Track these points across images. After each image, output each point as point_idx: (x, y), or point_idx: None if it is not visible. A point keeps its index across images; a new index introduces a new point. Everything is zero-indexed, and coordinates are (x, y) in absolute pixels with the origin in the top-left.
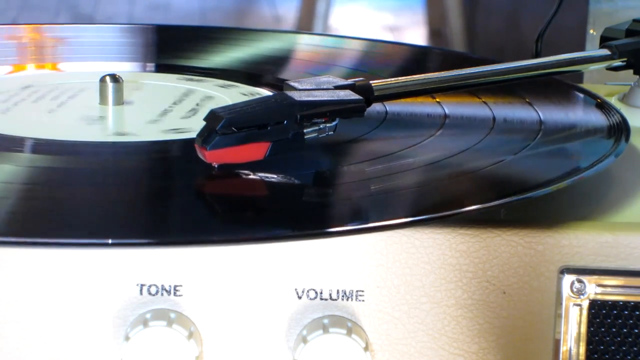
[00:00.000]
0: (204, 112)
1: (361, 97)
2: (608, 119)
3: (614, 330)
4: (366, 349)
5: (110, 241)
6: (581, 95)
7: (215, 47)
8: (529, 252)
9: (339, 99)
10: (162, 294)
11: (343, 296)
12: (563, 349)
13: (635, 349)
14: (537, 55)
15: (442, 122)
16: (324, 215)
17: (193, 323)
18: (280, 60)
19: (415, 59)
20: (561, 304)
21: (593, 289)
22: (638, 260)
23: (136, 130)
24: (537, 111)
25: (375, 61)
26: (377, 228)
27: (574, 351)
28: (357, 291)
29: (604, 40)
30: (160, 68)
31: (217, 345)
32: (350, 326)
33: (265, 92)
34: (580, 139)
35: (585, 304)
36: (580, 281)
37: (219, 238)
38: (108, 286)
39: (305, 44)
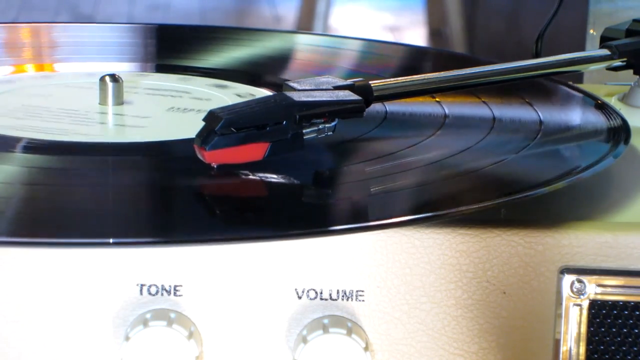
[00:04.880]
0: (203, 112)
1: (360, 98)
2: (608, 119)
3: (614, 330)
4: (366, 349)
5: (111, 240)
6: (581, 95)
7: (215, 47)
8: (529, 252)
9: (338, 99)
10: (162, 294)
11: (343, 296)
12: (563, 349)
13: (635, 349)
14: (537, 55)
15: (442, 122)
16: (323, 214)
17: (193, 323)
18: (280, 60)
19: (415, 59)
20: (561, 304)
21: (593, 289)
22: (638, 260)
23: (135, 130)
24: (537, 111)
25: (374, 62)
26: (377, 226)
27: (574, 351)
28: (357, 291)
29: (604, 40)
30: (160, 68)
31: (217, 345)
32: (350, 326)
33: (264, 92)
34: (580, 139)
35: (585, 304)
36: (580, 281)
37: (219, 237)
38: (108, 286)
39: (305, 44)
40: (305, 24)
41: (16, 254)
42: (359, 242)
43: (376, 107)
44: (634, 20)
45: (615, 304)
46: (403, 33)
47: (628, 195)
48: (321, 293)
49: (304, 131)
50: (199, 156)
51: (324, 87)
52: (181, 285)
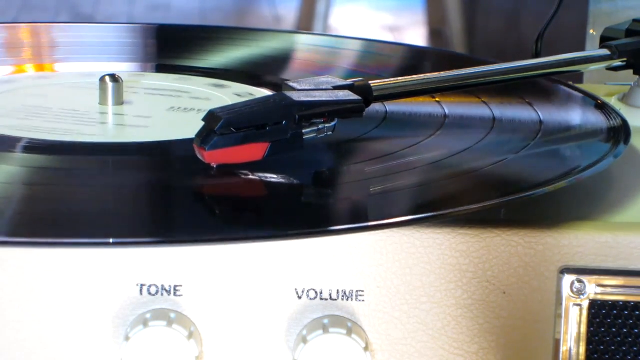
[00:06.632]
0: (203, 112)
1: (360, 98)
2: (608, 120)
3: (614, 330)
4: (366, 349)
5: (111, 240)
6: (581, 95)
7: (215, 47)
8: (529, 252)
9: (337, 99)
10: (162, 294)
11: (343, 296)
12: (563, 349)
13: (635, 349)
14: (537, 55)
15: (442, 122)
16: (323, 214)
17: (193, 323)
18: (280, 60)
19: (415, 59)
20: (561, 304)
21: (593, 289)
22: (638, 260)
23: (135, 130)
24: (536, 111)
25: (374, 62)
26: (376, 227)
27: (574, 351)
28: (357, 291)
29: (604, 40)
30: (160, 68)
31: (217, 345)
32: (350, 326)
33: (264, 92)
34: (580, 139)
35: (585, 304)
36: (580, 281)
37: (219, 237)
38: (108, 286)
39: (305, 44)
40: (305, 24)
41: (16, 254)
42: (359, 242)
43: (376, 107)
44: (634, 20)
45: (615, 304)
46: (403, 33)
47: (628, 195)
48: (321, 293)
49: (303, 131)
50: (199, 156)
51: (323, 87)
52: (181, 285)
